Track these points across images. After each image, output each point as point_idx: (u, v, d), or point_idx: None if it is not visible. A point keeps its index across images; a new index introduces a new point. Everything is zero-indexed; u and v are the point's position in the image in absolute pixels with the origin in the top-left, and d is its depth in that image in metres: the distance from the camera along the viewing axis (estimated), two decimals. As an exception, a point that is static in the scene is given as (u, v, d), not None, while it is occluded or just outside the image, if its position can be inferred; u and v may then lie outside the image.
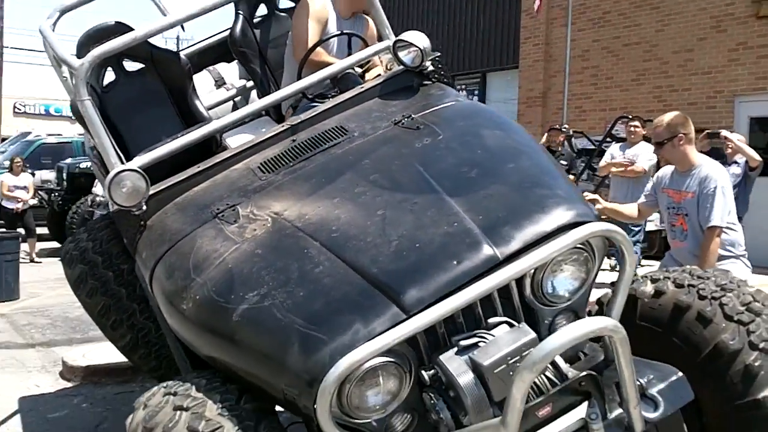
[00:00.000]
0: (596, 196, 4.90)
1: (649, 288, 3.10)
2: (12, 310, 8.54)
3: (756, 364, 2.70)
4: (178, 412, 2.36)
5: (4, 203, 12.93)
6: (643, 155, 8.90)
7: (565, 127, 11.20)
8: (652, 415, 2.49)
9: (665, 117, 4.57)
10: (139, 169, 3.01)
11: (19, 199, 12.85)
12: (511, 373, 2.29)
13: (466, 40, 17.32)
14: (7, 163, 14.25)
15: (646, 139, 9.71)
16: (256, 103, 3.70)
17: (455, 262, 2.45)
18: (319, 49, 3.84)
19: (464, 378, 2.32)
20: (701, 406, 2.86)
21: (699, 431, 2.90)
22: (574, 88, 14.29)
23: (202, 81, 4.68)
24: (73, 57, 3.42)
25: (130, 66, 4.12)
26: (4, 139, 20.12)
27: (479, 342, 2.40)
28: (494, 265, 2.43)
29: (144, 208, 3.06)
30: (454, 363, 2.35)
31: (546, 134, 10.74)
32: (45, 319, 8.02)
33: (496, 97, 16.86)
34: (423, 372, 2.39)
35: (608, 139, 10.70)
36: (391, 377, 2.33)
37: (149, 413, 2.42)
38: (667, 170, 4.64)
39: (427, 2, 18.69)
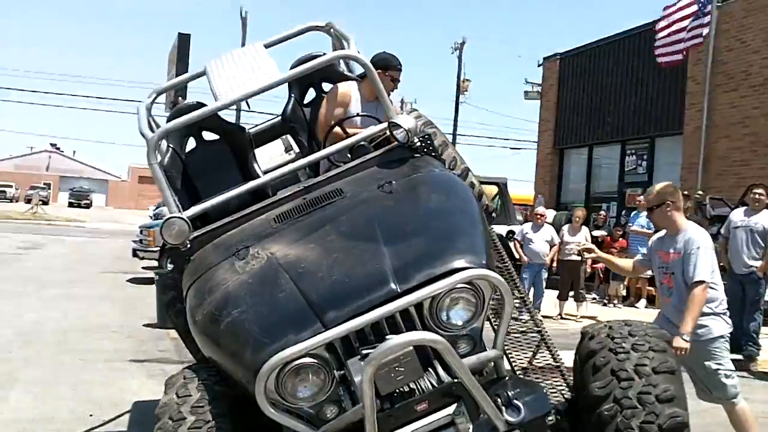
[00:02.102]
0: (592, 246, 5.54)
1: (590, 330, 3.82)
2: (181, 336, 10.14)
3: (607, 413, 3.35)
4: (181, 381, 3.50)
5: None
6: (764, 221, 9.05)
7: (699, 194, 11.33)
8: (514, 419, 3.23)
9: (656, 186, 5.16)
10: (184, 217, 4.01)
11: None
12: (392, 374, 3.12)
13: (636, 105, 17.60)
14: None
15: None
16: (282, 168, 4.55)
17: (366, 293, 3.32)
18: (336, 128, 4.79)
19: (358, 377, 3.14)
20: None
21: None
22: (734, 155, 14.23)
23: (275, 146, 5.74)
24: (148, 130, 4.40)
25: (208, 135, 5.13)
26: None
27: None
28: (393, 296, 3.26)
29: (188, 245, 4.08)
30: (354, 366, 3.20)
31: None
32: (204, 344, 9.49)
33: (664, 161, 16.97)
34: (336, 372, 3.26)
35: (740, 206, 10.72)
36: (315, 375, 3.21)
37: (169, 380, 3.59)
38: (660, 234, 5.19)
39: (602, 70, 19.18)
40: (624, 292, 14.29)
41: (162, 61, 28.15)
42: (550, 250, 12.42)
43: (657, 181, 16.63)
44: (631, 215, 14.37)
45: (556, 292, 12.79)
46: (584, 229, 13.80)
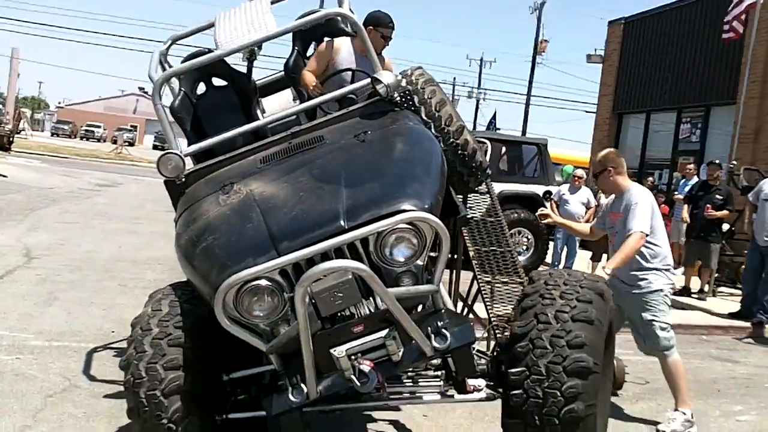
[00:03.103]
0: (548, 211, 5.88)
1: (534, 275, 4.16)
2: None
3: (521, 350, 3.72)
4: (158, 296, 4.08)
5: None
6: None
7: (733, 164, 11.36)
8: (440, 346, 3.63)
9: (600, 153, 5.55)
10: (180, 153, 4.48)
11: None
12: (332, 298, 3.55)
13: (692, 74, 17.41)
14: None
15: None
16: (278, 114, 5.00)
17: (318, 227, 3.73)
18: (309, 77, 5.30)
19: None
20: None
21: None
22: (786, 126, 14.04)
23: (285, 95, 6.21)
24: (154, 73, 4.84)
25: (218, 81, 5.58)
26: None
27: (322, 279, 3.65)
28: (341, 231, 3.65)
29: (183, 179, 4.58)
30: (300, 289, 3.58)
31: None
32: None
33: (718, 131, 16.79)
34: (287, 296, 3.69)
35: (769, 176, 10.75)
36: (270, 296, 3.66)
37: (151, 295, 4.16)
38: (612, 197, 5.58)
39: (664, 35, 18.98)
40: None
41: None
42: (586, 212, 12.60)
43: (709, 151, 16.94)
44: (681, 183, 14.39)
45: (590, 253, 13.03)
46: (622, 193, 13.91)
